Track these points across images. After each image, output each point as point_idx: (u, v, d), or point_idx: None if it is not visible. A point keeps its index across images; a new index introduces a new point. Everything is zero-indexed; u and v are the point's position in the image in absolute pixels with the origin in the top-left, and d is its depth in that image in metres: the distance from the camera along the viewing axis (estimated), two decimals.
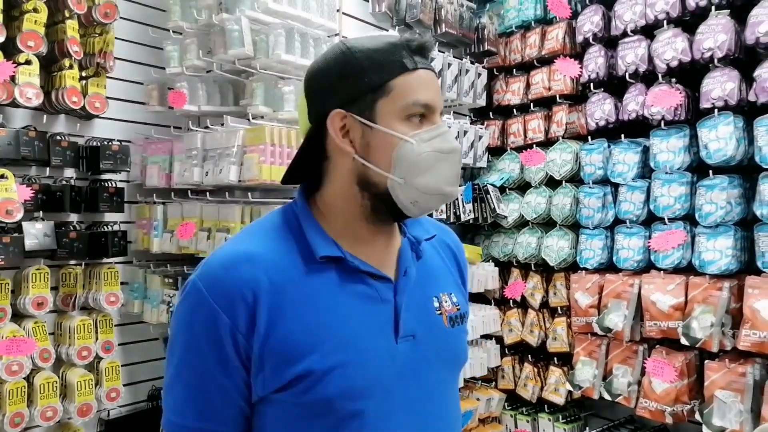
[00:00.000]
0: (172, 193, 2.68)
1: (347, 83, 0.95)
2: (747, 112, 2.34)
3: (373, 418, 0.91)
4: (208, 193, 2.57)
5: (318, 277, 0.94)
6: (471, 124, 3.20)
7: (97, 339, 2.53)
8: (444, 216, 2.92)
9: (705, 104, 2.39)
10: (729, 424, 2.20)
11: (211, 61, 2.51)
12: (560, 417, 2.94)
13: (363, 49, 0.96)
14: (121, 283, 2.66)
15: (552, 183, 3.02)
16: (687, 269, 2.46)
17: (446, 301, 1.04)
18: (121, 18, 2.64)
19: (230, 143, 2.35)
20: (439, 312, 1.02)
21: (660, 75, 2.55)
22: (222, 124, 2.48)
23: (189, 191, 2.60)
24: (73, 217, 2.59)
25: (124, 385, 2.61)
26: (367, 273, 0.97)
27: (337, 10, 2.69)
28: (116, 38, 2.66)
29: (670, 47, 2.49)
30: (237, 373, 0.90)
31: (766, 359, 2.26)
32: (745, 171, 2.37)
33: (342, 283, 0.95)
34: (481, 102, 3.23)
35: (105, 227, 2.64)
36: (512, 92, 3.24)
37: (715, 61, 2.36)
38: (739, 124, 2.31)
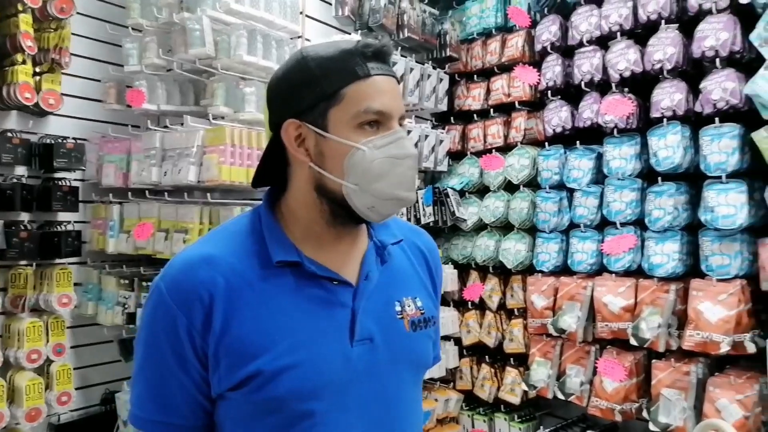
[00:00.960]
0: (129, 193, 2.63)
1: (300, 92, 0.96)
2: (694, 122, 2.44)
3: (324, 418, 0.93)
4: (166, 193, 2.54)
5: (275, 280, 0.96)
6: (432, 128, 3.25)
7: (47, 342, 2.46)
8: (404, 219, 2.95)
9: (655, 114, 2.48)
10: (673, 421, 2.30)
11: (172, 60, 2.49)
12: (516, 416, 3.00)
13: (316, 57, 0.96)
14: (75, 285, 2.59)
15: (510, 187, 3.08)
16: (637, 272, 2.55)
17: (409, 306, 1.05)
18: (78, 14, 2.58)
19: (190, 143, 2.33)
20: (400, 316, 1.03)
21: (613, 84, 2.64)
22: (182, 124, 2.46)
23: (147, 191, 2.56)
24: (24, 216, 2.52)
25: (76, 389, 2.55)
26: (326, 278, 0.98)
27: (300, 13, 2.70)
28: (73, 34, 2.61)
29: (623, 58, 2.58)
30: (195, 370, 0.93)
31: (708, 358, 2.36)
32: (691, 178, 2.47)
33: (298, 287, 0.97)
34: (443, 107, 3.28)
35: (58, 227, 2.58)
36: (473, 98, 3.30)
37: (665, 72, 2.45)
38: (686, 134, 2.41)
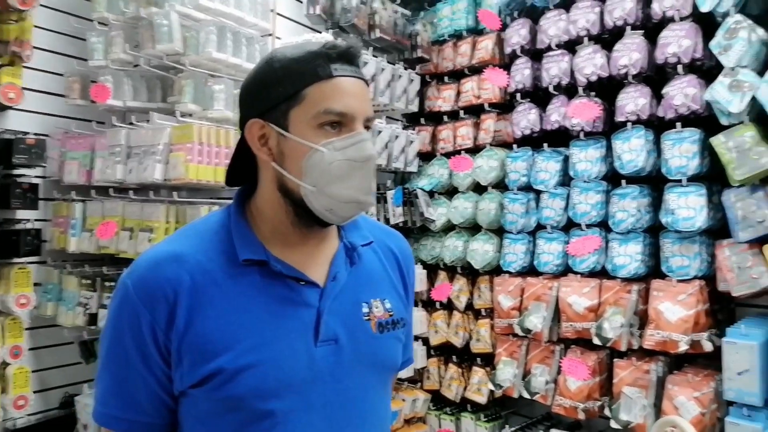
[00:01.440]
0: (93, 191, 2.57)
1: (264, 92, 0.98)
2: (656, 126, 2.50)
3: (286, 418, 0.93)
4: (131, 191, 2.48)
5: (241, 279, 0.96)
6: (403, 129, 3.26)
7: (3, 343, 2.39)
8: (374, 219, 2.95)
9: (620, 118, 2.54)
10: (634, 419, 2.35)
11: (138, 55, 2.44)
12: (482, 416, 3.03)
13: (282, 58, 0.98)
14: (34, 285, 2.52)
15: (479, 189, 3.11)
16: (601, 273, 2.60)
17: (377, 307, 1.05)
18: (41, 5, 2.51)
19: (156, 141, 2.29)
20: (367, 318, 1.03)
21: (580, 88, 2.69)
22: (148, 121, 2.41)
23: (111, 189, 2.50)
24: None
25: (34, 392, 2.47)
26: (292, 277, 0.98)
27: (271, 11, 2.68)
28: (35, 26, 2.53)
29: (590, 62, 2.63)
30: (158, 367, 0.94)
31: (667, 357, 2.42)
32: (653, 181, 2.53)
33: (264, 286, 0.97)
34: (413, 107, 3.29)
35: (17, 225, 2.50)
36: (443, 99, 3.32)
37: (630, 77, 2.51)
38: (649, 138, 2.47)
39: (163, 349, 0.93)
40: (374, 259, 1.11)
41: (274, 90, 0.97)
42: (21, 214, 2.53)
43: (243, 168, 1.07)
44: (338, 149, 0.95)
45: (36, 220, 2.58)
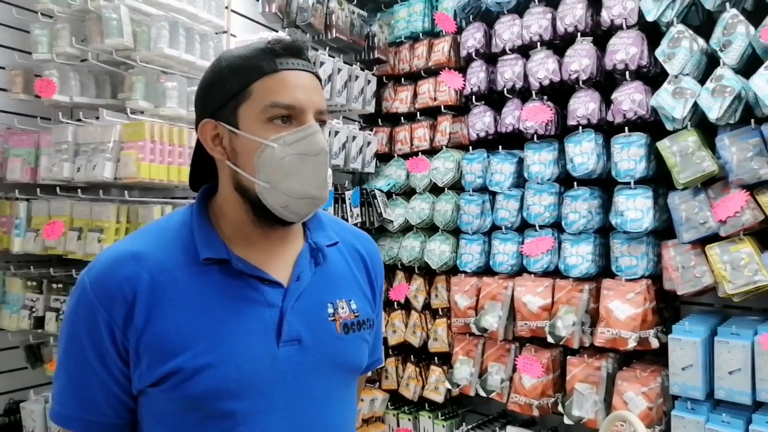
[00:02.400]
0: (38, 189, 2.47)
1: (213, 92, 0.98)
2: (606, 130, 2.58)
3: (246, 419, 0.92)
4: (79, 190, 2.40)
5: (201, 278, 0.96)
6: (360, 129, 3.26)
7: None
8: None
9: (571, 121, 2.60)
10: (585, 414, 2.42)
11: (86, 49, 2.35)
12: (439, 414, 3.06)
13: (229, 57, 0.98)
14: None
15: (435, 190, 3.14)
16: (554, 273, 2.67)
17: (343, 308, 1.05)
18: None
19: (106, 138, 2.22)
20: (332, 318, 1.03)
21: (534, 92, 2.75)
22: (97, 118, 2.33)
23: (58, 187, 2.41)
24: None
25: None
26: (254, 276, 0.97)
27: (226, 8, 2.63)
28: None
29: (543, 67, 2.69)
30: (116, 366, 0.93)
31: (617, 354, 2.51)
32: (603, 184, 2.61)
33: (225, 285, 0.96)
34: (371, 108, 3.30)
35: None
36: (400, 101, 3.34)
37: (580, 82, 2.58)
38: (599, 141, 2.54)
39: (121, 349, 0.92)
40: (340, 260, 1.10)
41: (222, 89, 0.97)
42: None
43: (204, 170, 1.06)
44: (289, 143, 0.95)
45: None
